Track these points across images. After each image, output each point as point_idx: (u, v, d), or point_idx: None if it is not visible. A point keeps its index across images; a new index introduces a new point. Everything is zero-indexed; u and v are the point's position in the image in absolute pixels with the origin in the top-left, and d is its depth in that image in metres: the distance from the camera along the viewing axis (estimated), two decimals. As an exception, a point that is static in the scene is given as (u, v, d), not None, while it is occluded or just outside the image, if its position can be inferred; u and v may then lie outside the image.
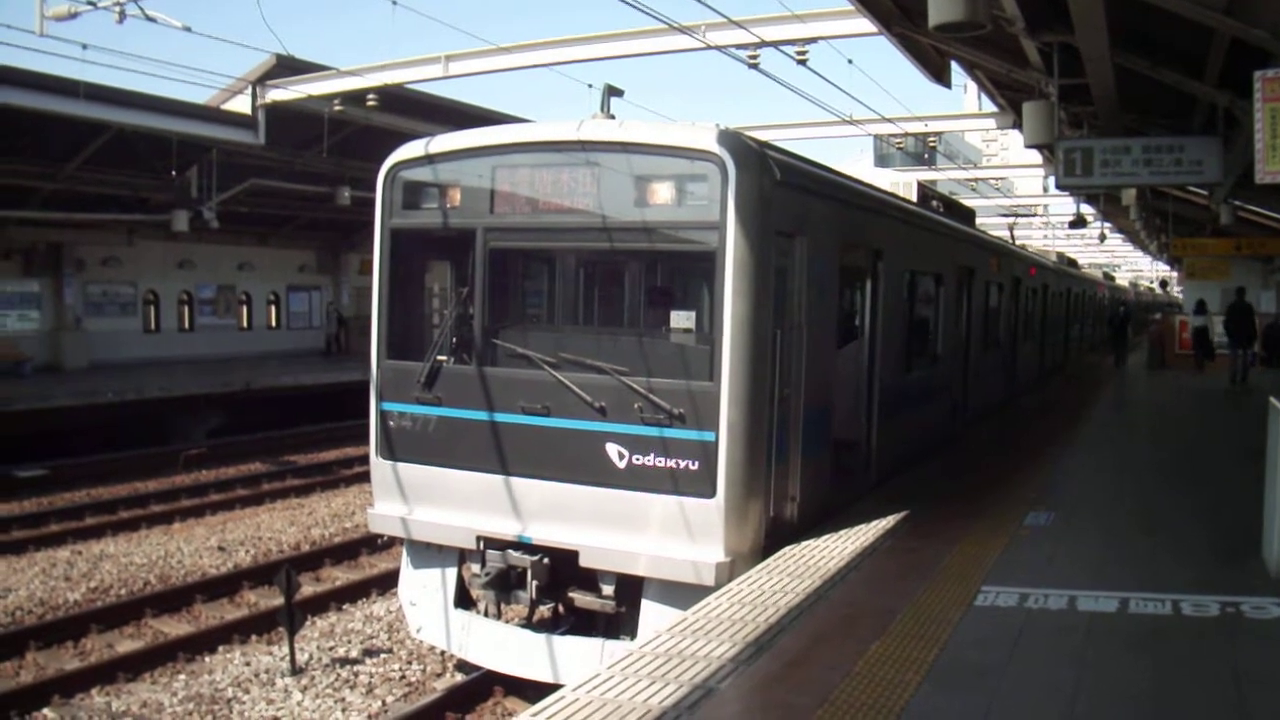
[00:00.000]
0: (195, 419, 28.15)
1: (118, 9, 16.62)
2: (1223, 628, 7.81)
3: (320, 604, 14.15)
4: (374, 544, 16.75)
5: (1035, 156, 27.73)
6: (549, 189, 10.18)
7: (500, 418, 10.17)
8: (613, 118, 10.48)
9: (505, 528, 10.11)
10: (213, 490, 21.86)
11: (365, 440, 11.45)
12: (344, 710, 10.86)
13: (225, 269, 37.36)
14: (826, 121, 22.82)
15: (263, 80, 23.77)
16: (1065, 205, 39.75)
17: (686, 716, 6.10)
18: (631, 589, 9.65)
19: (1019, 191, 49.05)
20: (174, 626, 13.61)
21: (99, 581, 15.08)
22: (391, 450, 10.88)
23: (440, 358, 10.64)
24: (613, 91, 10.98)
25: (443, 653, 11.81)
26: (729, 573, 9.08)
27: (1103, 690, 6.53)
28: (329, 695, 11.17)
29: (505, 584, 10.13)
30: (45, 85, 20.74)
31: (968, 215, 21.59)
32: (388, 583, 14.45)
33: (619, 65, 20.02)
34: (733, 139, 9.49)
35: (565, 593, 10.12)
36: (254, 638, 13.01)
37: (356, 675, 11.70)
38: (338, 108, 23.11)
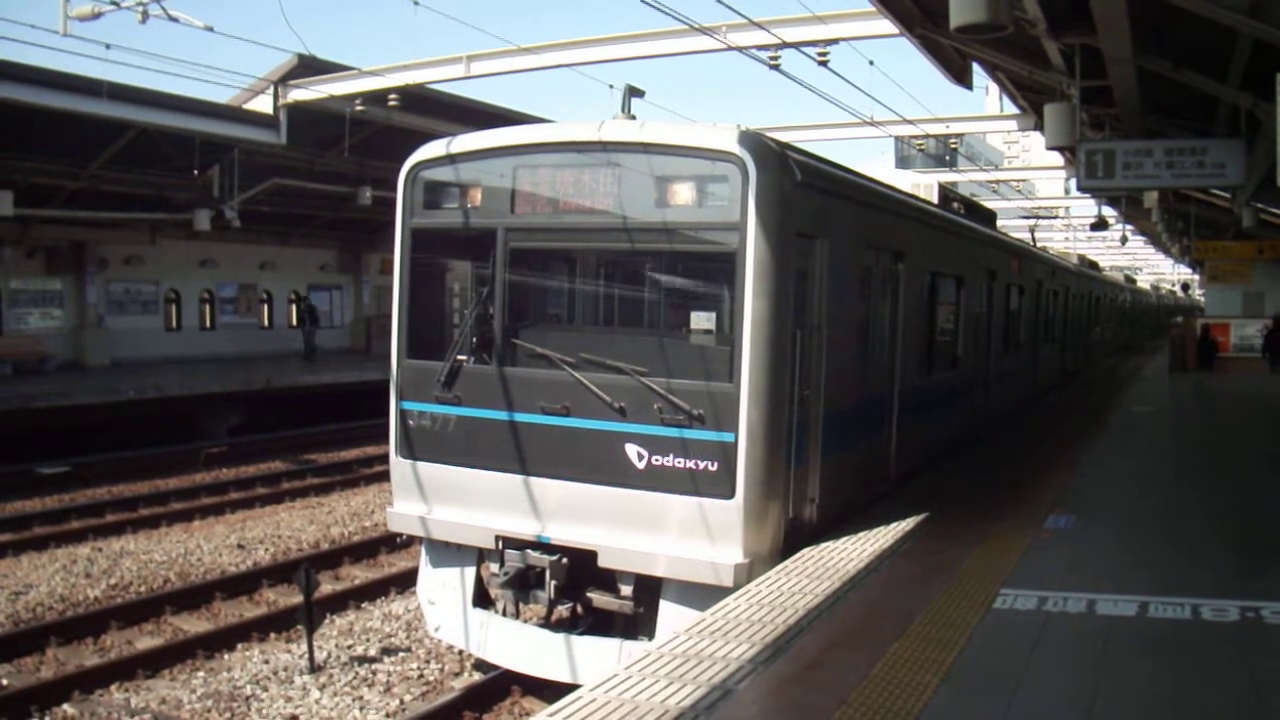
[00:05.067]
0: (216, 417, 28.26)
1: (140, 9, 16.71)
2: (1242, 633, 7.77)
3: (339, 602, 14.19)
4: (393, 543, 16.79)
5: (1056, 158, 27.67)
6: (570, 189, 10.19)
7: (520, 418, 10.19)
8: (634, 118, 10.48)
9: (524, 527, 10.13)
10: (233, 488, 21.96)
11: (385, 439, 11.46)
12: (362, 709, 10.88)
13: (247, 268, 37.47)
14: (847, 123, 22.80)
15: (284, 80, 23.85)
16: (1087, 207, 39.63)
17: (704, 717, 6.09)
18: (650, 589, 9.65)
19: (1040, 193, 49.01)
20: (193, 624, 13.67)
21: (119, 578, 15.15)
22: (411, 449, 10.91)
23: (460, 357, 10.66)
24: (634, 92, 10.99)
25: (461, 652, 11.83)
26: (748, 574, 9.07)
27: (1121, 695, 6.50)
28: (347, 693, 11.19)
29: (524, 583, 10.15)
30: (69, 85, 20.85)
31: (989, 217, 21.52)
32: (406, 581, 14.48)
33: (640, 66, 20.01)
34: (754, 140, 9.49)
35: (584, 593, 10.12)
36: (273, 635, 13.05)
37: (375, 674, 11.72)
38: (359, 108, 23.19)
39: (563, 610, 10.83)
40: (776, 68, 16.60)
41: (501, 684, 11.03)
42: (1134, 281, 69.37)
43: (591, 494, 9.78)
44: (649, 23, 17.17)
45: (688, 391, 9.37)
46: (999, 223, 24.00)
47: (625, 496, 9.60)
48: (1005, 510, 11.90)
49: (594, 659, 9.76)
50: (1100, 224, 33.36)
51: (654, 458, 9.49)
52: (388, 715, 10.77)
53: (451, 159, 10.82)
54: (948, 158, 32.02)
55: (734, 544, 9.21)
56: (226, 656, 12.43)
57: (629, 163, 9.80)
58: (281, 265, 38.77)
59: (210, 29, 17.19)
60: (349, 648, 12.48)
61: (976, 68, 17.15)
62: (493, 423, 10.35)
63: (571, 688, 7.36)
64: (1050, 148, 16.63)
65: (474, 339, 10.78)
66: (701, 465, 9.30)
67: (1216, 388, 29.12)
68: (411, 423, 10.90)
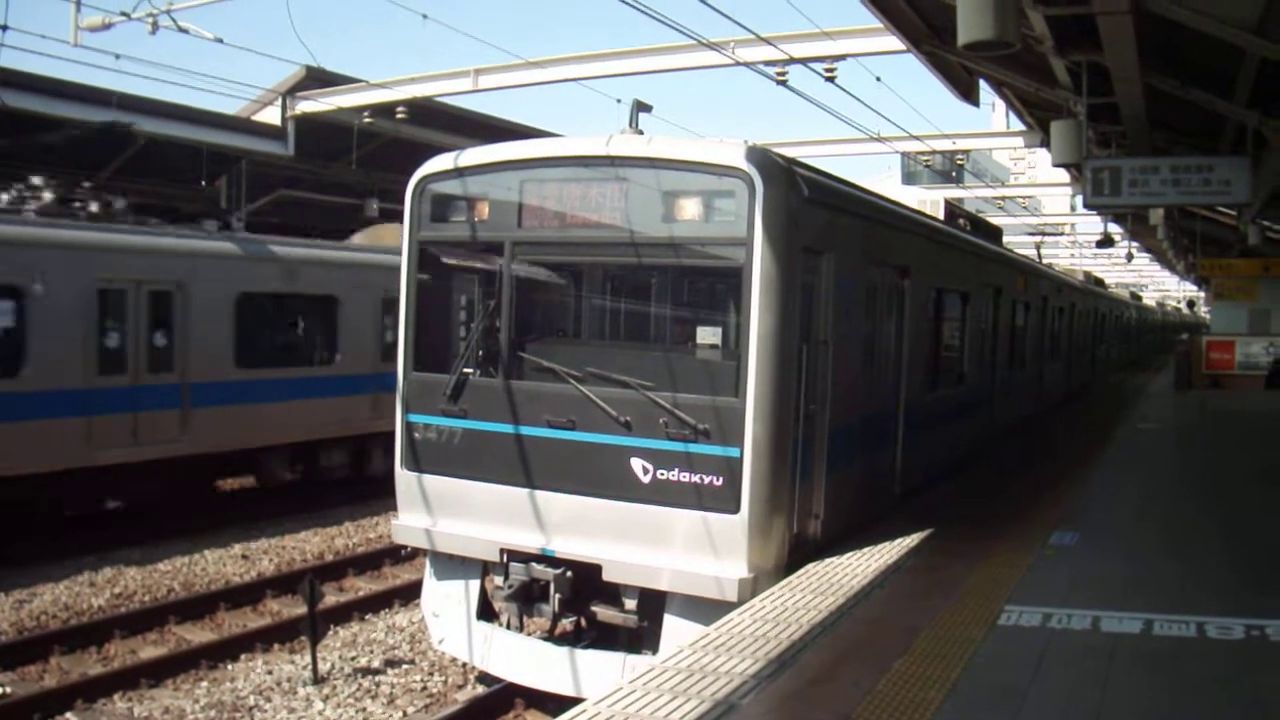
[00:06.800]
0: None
1: (150, 20, 16.76)
2: (1248, 650, 7.76)
3: (343, 614, 14.20)
4: (397, 555, 16.77)
5: (1063, 175, 27.69)
6: (577, 203, 10.22)
7: (525, 431, 10.20)
8: (641, 133, 10.51)
9: (529, 540, 10.13)
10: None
11: (390, 451, 11.48)
12: (365, 720, 10.90)
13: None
14: (854, 139, 22.83)
15: (293, 92, 23.89)
16: (1092, 224, 39.65)
17: (708, 732, 6.10)
18: (654, 603, 9.65)
19: (1046, 210, 48.97)
20: (197, 634, 13.68)
21: (123, 587, 15.14)
22: (417, 462, 10.92)
23: (466, 370, 10.68)
24: (641, 107, 11.01)
25: (464, 664, 11.82)
26: (752, 589, 9.08)
27: (1125, 712, 6.50)
28: (350, 705, 11.19)
29: (528, 596, 10.14)
30: (78, 94, 20.89)
31: (995, 233, 21.56)
32: (410, 593, 14.49)
33: (648, 81, 20.09)
34: (760, 155, 9.52)
35: (588, 606, 10.12)
36: (276, 646, 13.06)
37: (378, 685, 11.72)
38: (367, 120, 23.23)
39: (567, 623, 10.83)
40: (784, 83, 16.64)
41: (505, 697, 11.03)
42: (1140, 298, 69.40)
43: (596, 508, 9.79)
44: (657, 38, 17.19)
45: (693, 406, 9.39)
46: (1005, 239, 24.03)
47: (630, 510, 9.61)
48: (1010, 527, 11.90)
49: (598, 672, 9.76)
50: (1106, 241, 33.35)
51: (659, 472, 9.50)
52: (391, 727, 10.79)
53: (459, 172, 10.85)
54: (954, 174, 32.07)
55: (739, 559, 9.21)
56: (230, 667, 12.43)
57: (636, 177, 9.83)
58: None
59: (220, 40, 17.26)
60: (353, 659, 12.48)
61: (983, 84, 17.18)
62: (498, 436, 10.36)
63: (575, 701, 7.37)
64: (1056, 164, 16.63)
65: (480, 352, 10.81)
66: (707, 480, 9.31)
67: (1221, 405, 29.08)
68: (417, 435, 10.91)
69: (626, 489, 9.62)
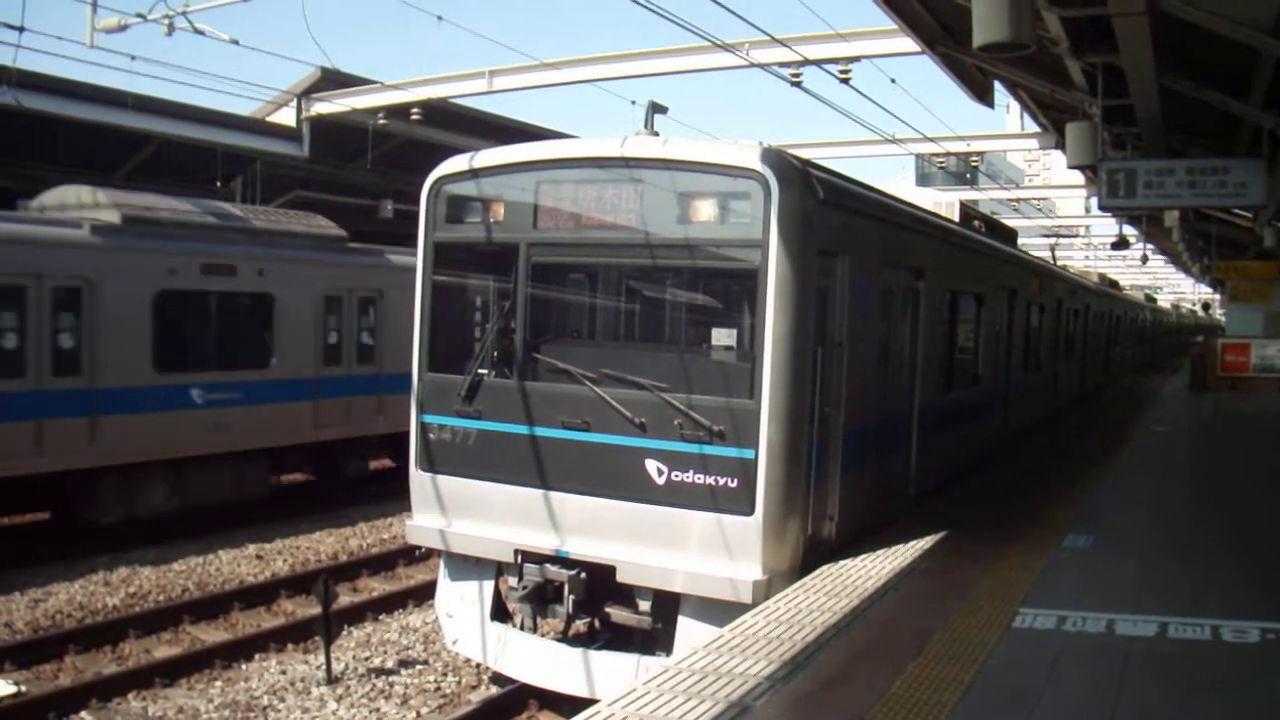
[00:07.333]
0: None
1: (166, 22, 16.81)
2: (1262, 654, 7.74)
3: (357, 614, 14.23)
4: (411, 555, 16.81)
5: (1078, 177, 27.65)
6: (592, 205, 10.22)
7: (540, 432, 10.21)
8: (656, 134, 10.51)
9: (543, 542, 10.14)
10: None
11: (404, 451, 11.49)
12: (379, 720, 10.91)
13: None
14: (869, 140, 22.80)
15: (308, 93, 23.93)
16: (1107, 226, 39.57)
17: (722, 733, 6.10)
18: (668, 605, 9.65)
19: (1061, 212, 48.87)
20: (211, 633, 13.72)
21: (137, 587, 15.19)
22: (431, 462, 10.94)
23: (481, 371, 10.69)
24: (656, 108, 11.01)
25: (478, 665, 11.84)
26: (766, 591, 9.07)
27: (1140, 715, 6.48)
28: (364, 705, 11.21)
29: (542, 598, 10.16)
30: (93, 96, 20.95)
31: (1009, 235, 21.51)
32: (424, 594, 14.51)
33: (663, 83, 20.09)
34: (776, 157, 9.51)
35: (602, 607, 10.12)
36: (290, 646, 13.09)
37: (392, 686, 11.74)
38: (382, 121, 23.27)
39: (580, 625, 10.83)
40: (798, 85, 16.63)
41: (518, 698, 11.05)
42: (1154, 300, 69.24)
43: (611, 509, 9.79)
44: (672, 40, 17.27)
45: (708, 408, 9.38)
46: (1020, 241, 23.98)
47: (644, 512, 9.61)
48: (1024, 529, 11.87)
49: (611, 674, 9.76)
50: (1121, 243, 33.27)
51: (674, 473, 9.50)
52: (405, 727, 10.80)
53: (474, 173, 10.86)
54: (969, 175, 31.99)
55: (753, 560, 9.21)
56: (244, 666, 12.47)
57: (651, 179, 9.83)
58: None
59: (235, 42, 17.29)
60: (366, 659, 12.51)
61: (998, 86, 17.15)
62: (513, 437, 10.37)
63: (589, 702, 7.38)
64: (1072, 166, 16.59)
65: (495, 353, 10.81)
66: (721, 481, 9.30)
67: (1236, 407, 28.99)
68: (432, 436, 10.93)
69: (641, 490, 9.62)
